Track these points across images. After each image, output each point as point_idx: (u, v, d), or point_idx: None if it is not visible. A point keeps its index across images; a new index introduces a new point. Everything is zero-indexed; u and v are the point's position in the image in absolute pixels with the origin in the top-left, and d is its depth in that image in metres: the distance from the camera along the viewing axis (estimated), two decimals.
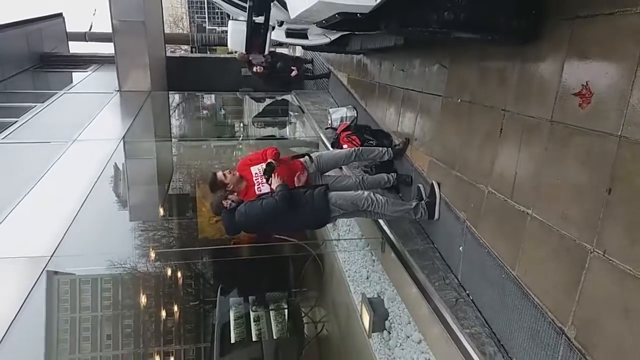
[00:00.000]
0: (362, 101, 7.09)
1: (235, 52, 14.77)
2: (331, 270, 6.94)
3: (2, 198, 5.18)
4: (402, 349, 4.39)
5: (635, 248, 2.12)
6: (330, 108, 7.77)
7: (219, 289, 7.60)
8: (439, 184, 4.19)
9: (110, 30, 10.42)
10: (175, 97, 12.27)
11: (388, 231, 4.64)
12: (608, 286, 2.25)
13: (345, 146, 5.72)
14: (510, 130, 3.16)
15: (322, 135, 7.41)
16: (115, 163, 7.04)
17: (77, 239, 4.78)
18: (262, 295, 7.84)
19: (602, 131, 2.33)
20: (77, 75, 12.24)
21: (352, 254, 6.15)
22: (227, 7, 5.19)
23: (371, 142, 5.58)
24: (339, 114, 7.26)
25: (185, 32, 26.87)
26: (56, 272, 4.65)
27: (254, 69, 8.94)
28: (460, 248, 3.76)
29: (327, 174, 4.88)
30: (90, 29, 16.97)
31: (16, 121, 7.68)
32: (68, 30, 15.44)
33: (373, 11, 2.49)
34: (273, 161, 4.21)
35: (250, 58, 8.97)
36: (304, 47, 8.35)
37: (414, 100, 4.92)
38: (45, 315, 4.49)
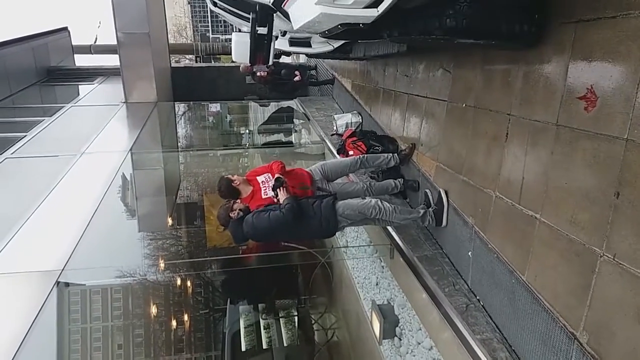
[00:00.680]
0: (367, 107, 7.09)
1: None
2: (340, 277, 6.94)
3: (13, 213, 5.23)
4: (414, 356, 4.37)
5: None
6: (335, 114, 7.78)
7: (229, 297, 7.62)
8: (446, 192, 4.17)
9: (115, 42, 10.52)
10: (181, 107, 12.35)
11: (396, 237, 4.63)
12: (619, 290, 2.24)
13: (351, 152, 5.73)
14: (516, 134, 3.16)
15: (327, 141, 7.42)
16: (123, 173, 7.09)
17: (88, 251, 4.81)
18: (271, 303, 7.85)
19: (608, 134, 2.33)
20: (83, 88, 12.36)
21: (360, 260, 6.15)
22: (230, 18, 5.22)
23: (377, 147, 5.58)
24: (344, 120, 7.27)
25: (189, 41, 27.05)
26: (67, 284, 4.68)
27: (258, 74, 9.00)
28: (469, 253, 3.75)
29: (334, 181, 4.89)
30: (95, 42, 17.11)
31: (25, 135, 7.76)
32: (73, 43, 15.60)
33: (375, 21, 2.50)
34: (281, 176, 4.19)
35: (254, 70, 9.04)
36: (307, 54, 8.38)
37: (419, 105, 4.92)
38: (56, 326, 4.52)
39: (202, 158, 10.88)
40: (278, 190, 4.06)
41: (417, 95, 4.98)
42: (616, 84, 2.30)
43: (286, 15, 3.35)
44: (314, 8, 2.42)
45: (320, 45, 5.48)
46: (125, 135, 8.56)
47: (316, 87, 10.76)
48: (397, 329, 4.66)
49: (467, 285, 3.79)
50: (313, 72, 10.91)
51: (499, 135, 3.35)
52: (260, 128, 11.74)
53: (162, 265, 6.48)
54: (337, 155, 6.22)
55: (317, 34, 3.07)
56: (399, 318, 4.70)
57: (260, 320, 7.61)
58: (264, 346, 7.30)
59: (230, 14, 4.90)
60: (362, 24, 2.48)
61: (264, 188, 4.35)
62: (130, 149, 7.53)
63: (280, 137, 11.42)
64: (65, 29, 15.11)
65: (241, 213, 4.06)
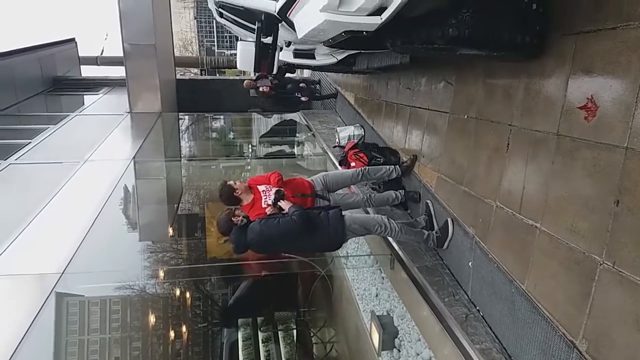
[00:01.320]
0: (369, 120, 7.14)
1: (244, 73, 15.01)
2: (340, 288, 6.92)
3: (15, 217, 5.24)
4: None
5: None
6: (338, 127, 7.83)
7: (227, 309, 7.58)
8: (453, 222, 4.11)
9: (121, 54, 10.64)
10: (185, 118, 12.43)
11: (397, 248, 4.63)
12: (619, 298, 2.24)
13: (353, 164, 5.76)
14: (517, 144, 3.18)
15: (329, 153, 7.45)
16: (125, 185, 7.08)
17: (87, 257, 4.81)
18: (270, 316, 7.80)
19: (608, 143, 2.35)
20: (88, 98, 12.47)
21: (360, 271, 6.13)
22: (236, 29, 5.30)
23: (379, 159, 5.61)
24: (347, 133, 7.31)
25: (194, 55, 27.32)
26: (65, 294, 4.67)
27: (260, 89, 9.09)
28: (470, 263, 3.75)
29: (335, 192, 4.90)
30: (101, 53, 17.31)
31: (29, 142, 7.82)
32: (80, 54, 15.77)
33: (378, 29, 2.55)
34: (281, 189, 4.20)
35: (257, 85, 9.16)
36: (311, 67, 8.47)
37: (421, 117, 4.96)
38: (54, 337, 4.50)
39: (204, 169, 10.91)
40: (280, 202, 4.03)
41: (419, 108, 5.03)
42: (616, 94, 2.33)
43: (291, 25, 3.40)
44: (318, 15, 2.47)
45: (324, 58, 5.55)
46: (129, 144, 8.61)
47: (319, 101, 10.85)
48: (396, 340, 4.63)
49: (467, 296, 3.78)
50: (317, 86, 11.00)
51: (500, 146, 3.38)
52: (261, 139, 11.79)
53: (161, 275, 6.45)
54: (339, 167, 6.25)
55: (321, 42, 3.12)
56: (398, 329, 4.67)
57: (259, 333, 7.55)
58: None
59: (236, 24, 4.98)
60: (366, 31, 2.52)
61: (264, 197, 4.33)
62: (134, 158, 7.57)
63: (283, 148, 11.47)
64: (72, 40, 15.29)
65: (245, 220, 3.97)
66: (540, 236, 2.86)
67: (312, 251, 5.54)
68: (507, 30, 2.70)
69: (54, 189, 5.96)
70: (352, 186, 5.53)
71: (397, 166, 5.10)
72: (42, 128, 8.70)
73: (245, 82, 9.71)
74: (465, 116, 3.96)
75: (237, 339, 7.31)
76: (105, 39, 22.85)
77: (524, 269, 3.00)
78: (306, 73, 13.00)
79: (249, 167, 10.80)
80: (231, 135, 12.63)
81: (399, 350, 4.58)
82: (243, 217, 3.99)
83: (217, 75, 17.63)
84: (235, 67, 17.74)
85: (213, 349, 7.41)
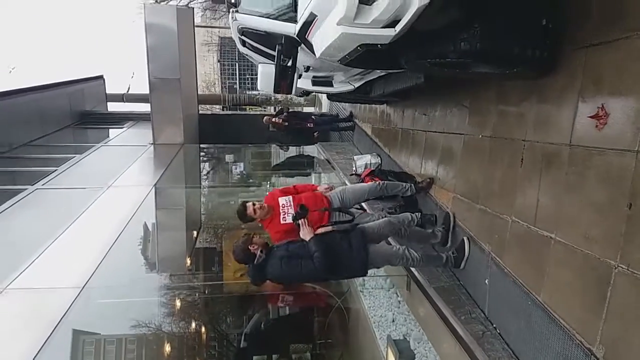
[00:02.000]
0: (386, 148, 7.25)
1: (264, 109, 15.40)
2: (356, 317, 6.84)
3: (38, 238, 5.39)
4: None
5: None
6: (355, 155, 7.95)
7: (242, 349, 7.52)
8: (469, 240, 4.11)
9: (145, 92, 11.06)
10: (206, 150, 12.74)
11: (413, 269, 4.63)
12: (634, 300, 2.23)
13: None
14: (531, 159, 3.23)
15: (346, 181, 7.54)
16: (145, 223, 7.10)
17: (105, 277, 4.88)
18: (286, 350, 7.70)
19: (619, 148, 2.40)
20: (114, 131, 12.88)
21: (377, 298, 6.09)
22: (257, 58, 5.51)
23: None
24: (364, 161, 7.41)
25: (217, 93, 28.06)
26: (81, 332, 4.68)
27: (274, 119, 9.38)
28: (486, 281, 3.73)
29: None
30: (127, 90, 17.94)
31: (56, 169, 8.09)
32: (107, 91, 16.40)
33: (393, 43, 2.68)
34: (305, 206, 4.05)
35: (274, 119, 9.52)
36: (329, 96, 8.70)
37: (436, 141, 5.05)
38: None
39: (222, 204, 11.11)
40: (300, 222, 3.84)
41: (435, 132, 5.12)
42: (626, 100, 2.39)
43: (309, 47, 3.57)
44: (335, 29, 2.61)
45: (341, 85, 5.74)
46: (151, 173, 8.84)
47: (337, 131, 11.04)
48: None
49: (484, 314, 3.75)
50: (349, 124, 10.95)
51: (514, 161, 3.43)
52: (280, 168, 12.00)
53: (176, 314, 6.43)
54: None
55: (337, 61, 3.26)
56: (415, 353, 4.61)
57: None
58: None
59: (257, 52, 5.19)
60: (381, 44, 2.65)
61: (283, 213, 4.34)
62: (155, 185, 7.76)
63: (300, 179, 11.59)
64: (101, 77, 15.94)
65: (263, 255, 3.75)
66: (555, 246, 2.87)
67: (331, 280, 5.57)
68: (518, 44, 2.81)
69: (77, 213, 6.12)
70: (366, 207, 5.55)
71: (413, 185, 5.13)
72: (68, 157, 9.01)
73: (265, 118, 10.00)
74: (480, 136, 4.04)
75: None
76: (132, 77, 23.73)
77: (539, 281, 2.99)
78: (325, 107, 13.29)
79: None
80: (250, 167, 12.84)
81: None
82: (261, 251, 3.75)
83: (238, 111, 18.06)
84: (256, 105, 18.23)
85: None
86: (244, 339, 7.37)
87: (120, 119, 14.50)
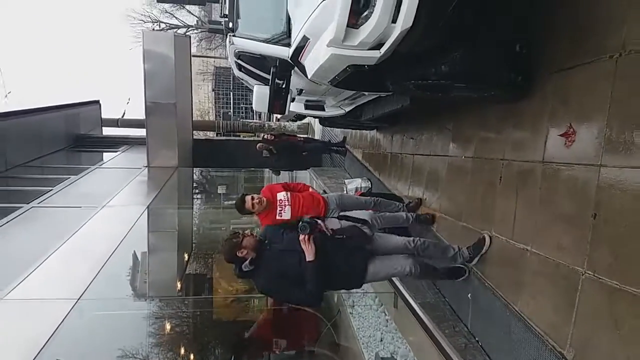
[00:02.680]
0: (376, 172, 7.46)
1: (257, 135, 15.63)
2: (345, 338, 6.90)
3: (34, 252, 5.47)
4: None
5: (620, 263, 2.30)
6: (346, 179, 8.14)
7: None
8: (469, 271, 3.91)
9: (139, 117, 11.27)
10: (200, 173, 12.90)
11: (400, 286, 4.76)
12: (599, 303, 2.40)
13: None
14: (509, 176, 3.43)
15: None
16: (134, 252, 7.09)
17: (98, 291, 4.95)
18: None
19: (585, 163, 2.61)
20: (108, 154, 13.03)
21: (366, 319, 6.17)
22: (252, 82, 5.74)
23: None
24: (354, 185, 7.59)
25: (211, 120, 28.41)
26: None
27: (264, 136, 9.62)
28: (469, 295, 3.88)
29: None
30: (122, 115, 18.16)
31: (51, 189, 8.20)
32: (102, 115, 16.61)
33: (379, 64, 2.90)
34: (312, 221, 3.46)
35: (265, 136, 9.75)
36: (321, 121, 8.96)
37: (423, 163, 5.26)
38: None
39: (213, 231, 11.21)
40: (303, 239, 3.30)
41: (421, 155, 5.34)
42: (589, 119, 2.61)
43: (302, 70, 3.79)
44: (326, 50, 2.83)
45: (333, 109, 5.97)
46: (145, 194, 8.96)
47: (328, 153, 11.26)
48: None
49: (467, 328, 3.88)
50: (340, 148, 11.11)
51: (494, 180, 3.63)
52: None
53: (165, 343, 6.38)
54: None
55: (328, 81, 3.47)
56: None
57: None
58: None
59: (252, 76, 5.43)
60: (367, 65, 2.87)
61: (280, 209, 4.26)
62: (148, 206, 7.87)
63: None
64: (97, 101, 16.17)
65: (250, 267, 3.41)
66: (531, 257, 3.04)
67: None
68: (494, 68, 3.05)
69: (72, 230, 6.22)
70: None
71: (404, 205, 5.20)
72: (63, 178, 9.12)
73: (258, 145, 10.22)
74: (463, 157, 4.25)
75: None
76: (127, 102, 24.11)
77: (517, 291, 3.15)
78: (317, 134, 13.54)
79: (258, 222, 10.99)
80: (244, 192, 12.99)
81: None
82: (250, 261, 3.39)
83: (232, 136, 18.31)
84: (249, 132, 18.50)
85: None
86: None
87: (114, 143, 14.67)
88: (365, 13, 2.60)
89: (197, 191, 12.98)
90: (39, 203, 7.38)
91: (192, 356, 6.72)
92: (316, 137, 13.67)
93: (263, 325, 6.86)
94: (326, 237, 3.54)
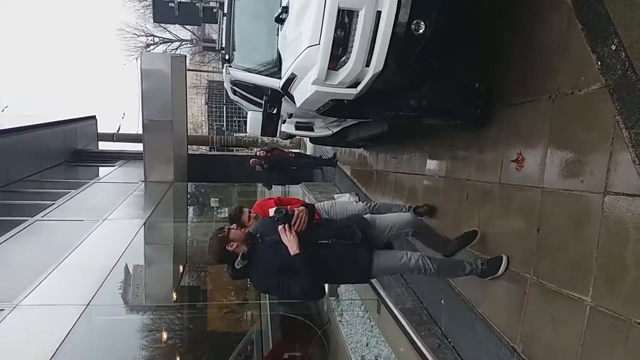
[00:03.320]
0: (363, 187, 7.92)
1: (250, 149, 16.03)
2: (335, 345, 7.28)
3: (42, 264, 5.83)
4: None
5: (557, 269, 2.76)
6: (335, 194, 8.58)
7: None
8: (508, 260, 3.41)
9: (133, 132, 11.66)
10: (194, 187, 13.29)
11: (383, 294, 5.18)
12: (540, 304, 2.85)
13: None
14: (474, 195, 3.90)
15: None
16: (126, 264, 7.13)
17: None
18: None
19: (531, 185, 3.07)
20: (106, 169, 13.41)
21: (354, 326, 6.58)
22: (246, 105, 6.20)
23: None
24: (343, 199, 8.04)
25: (205, 134, 28.76)
26: None
27: (257, 152, 10.05)
28: (442, 301, 4.31)
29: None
30: (118, 130, 18.55)
31: (53, 203, 8.57)
32: (99, 130, 17.00)
33: (357, 99, 3.36)
34: (284, 209, 3.19)
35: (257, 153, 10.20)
36: (311, 140, 9.39)
37: (404, 181, 5.72)
38: None
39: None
40: (280, 229, 3.04)
41: (403, 173, 5.80)
42: (534, 147, 3.08)
43: (291, 98, 4.24)
44: (311, 87, 3.29)
45: (321, 130, 6.43)
46: (144, 208, 9.35)
47: (319, 168, 11.70)
48: None
49: (441, 330, 4.31)
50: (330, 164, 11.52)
51: (462, 197, 4.09)
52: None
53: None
54: None
55: (315, 111, 3.91)
56: None
57: None
58: None
59: (246, 100, 5.88)
60: (346, 100, 3.33)
61: None
62: (147, 219, 8.27)
63: None
64: (93, 117, 16.57)
65: (243, 263, 3.13)
66: None
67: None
68: (456, 102, 3.52)
69: (77, 242, 6.60)
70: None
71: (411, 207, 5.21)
72: (63, 192, 9.50)
73: (251, 160, 10.64)
74: (437, 176, 4.71)
75: None
76: (123, 117, 24.60)
77: (481, 296, 3.60)
78: (309, 151, 13.99)
79: None
80: (236, 201, 13.36)
81: None
82: (242, 256, 3.12)
83: (225, 151, 18.73)
84: (243, 146, 18.92)
85: None
86: None
87: (111, 158, 15.06)
88: (343, 58, 3.07)
89: (191, 205, 13.37)
90: (42, 216, 7.75)
91: None
92: (308, 153, 14.13)
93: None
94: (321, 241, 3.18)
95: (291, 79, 3.90)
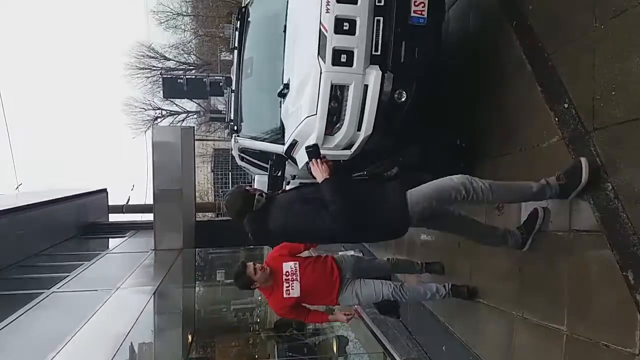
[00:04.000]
0: (366, 243, 8.20)
1: None
2: None
3: (61, 333, 6.04)
4: None
5: (537, 306, 3.06)
6: (339, 252, 8.83)
7: None
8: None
9: (142, 203, 12.05)
10: (202, 253, 13.59)
11: (388, 346, 5.36)
12: (526, 338, 3.12)
13: None
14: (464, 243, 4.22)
15: None
16: (131, 343, 6.96)
17: None
18: None
19: (510, 229, 3.41)
20: (117, 240, 13.77)
21: None
22: (252, 169, 6.64)
23: None
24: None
25: (211, 202, 29.24)
26: None
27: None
28: (444, 348, 4.52)
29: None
30: (127, 202, 19.07)
31: (68, 275, 8.87)
32: (109, 203, 17.51)
33: (352, 158, 3.78)
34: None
35: None
36: None
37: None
38: None
39: (214, 314, 11.83)
40: (312, 161, 2.92)
41: None
42: None
43: (294, 161, 4.68)
44: None
45: None
46: (154, 276, 9.62)
47: None
48: None
49: None
50: None
51: (455, 245, 4.41)
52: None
53: None
54: None
55: None
56: None
57: None
58: None
59: (253, 165, 6.33)
60: (342, 160, 3.76)
61: (287, 285, 3.78)
62: (157, 287, 8.53)
63: None
64: (104, 190, 17.14)
65: (263, 199, 2.97)
66: (484, 309, 3.77)
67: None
68: (440, 158, 3.94)
69: (91, 311, 6.84)
70: None
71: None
72: (77, 264, 9.81)
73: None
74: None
75: None
76: (132, 189, 25.33)
77: (474, 336, 3.86)
78: None
79: (260, 299, 11.55)
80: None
81: None
82: (260, 194, 3.01)
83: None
84: None
85: None
86: None
87: (121, 229, 15.44)
88: (337, 125, 3.54)
89: (199, 271, 13.64)
90: (58, 288, 8.03)
91: None
92: None
93: None
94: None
95: (293, 144, 4.35)
